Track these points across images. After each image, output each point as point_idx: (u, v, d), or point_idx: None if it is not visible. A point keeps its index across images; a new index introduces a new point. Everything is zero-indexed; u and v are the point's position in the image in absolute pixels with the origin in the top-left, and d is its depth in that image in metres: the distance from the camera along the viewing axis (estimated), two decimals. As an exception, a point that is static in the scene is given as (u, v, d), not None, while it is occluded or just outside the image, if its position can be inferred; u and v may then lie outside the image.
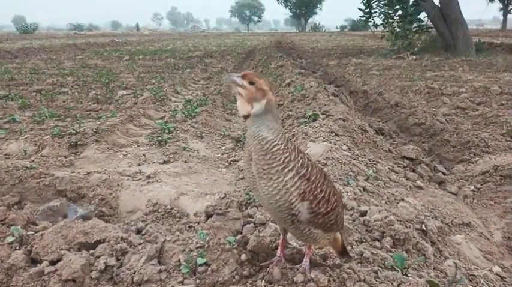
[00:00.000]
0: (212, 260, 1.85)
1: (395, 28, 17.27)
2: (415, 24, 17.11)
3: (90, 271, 1.88)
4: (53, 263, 1.95)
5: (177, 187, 3.52)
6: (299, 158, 1.61)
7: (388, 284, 1.74)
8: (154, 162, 4.19)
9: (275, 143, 1.57)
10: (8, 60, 14.84)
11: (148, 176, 3.69)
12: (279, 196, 1.56)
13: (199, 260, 1.84)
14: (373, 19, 18.74)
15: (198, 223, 2.91)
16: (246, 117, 1.60)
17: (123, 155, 4.40)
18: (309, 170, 1.61)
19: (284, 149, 1.57)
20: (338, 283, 1.71)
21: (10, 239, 2.09)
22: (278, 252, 1.90)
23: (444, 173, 4.45)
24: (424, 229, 2.69)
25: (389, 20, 17.61)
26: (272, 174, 1.55)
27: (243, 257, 1.91)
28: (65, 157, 4.26)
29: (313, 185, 1.60)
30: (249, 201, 3.00)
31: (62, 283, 1.83)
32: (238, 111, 1.62)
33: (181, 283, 1.78)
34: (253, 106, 1.57)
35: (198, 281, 1.80)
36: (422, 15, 16.92)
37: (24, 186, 3.40)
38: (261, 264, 1.93)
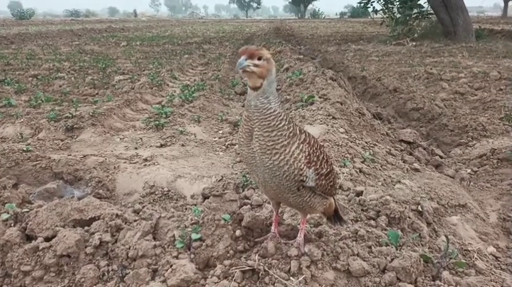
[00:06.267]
0: (207, 236, 1.86)
1: (395, 14, 17.10)
2: (415, 10, 16.94)
3: (85, 247, 1.89)
4: (47, 239, 1.96)
5: (174, 170, 3.52)
6: (295, 126, 1.65)
7: (382, 258, 1.75)
8: (151, 146, 4.18)
9: (281, 117, 1.59)
10: (4, 45, 14.70)
11: (145, 159, 3.69)
12: (288, 165, 1.59)
13: (194, 236, 1.85)
14: (371, 4, 18.55)
15: (195, 205, 2.91)
16: (256, 88, 1.59)
17: (120, 138, 4.39)
18: (306, 135, 1.67)
19: (288, 123, 1.61)
20: (332, 257, 1.72)
21: (5, 216, 2.09)
22: (272, 228, 1.91)
23: (441, 157, 4.45)
24: (420, 210, 2.69)
25: (389, 6, 17.43)
26: (278, 149, 1.58)
27: (238, 233, 1.92)
28: (62, 140, 4.25)
29: (314, 148, 1.66)
30: (245, 183, 3.00)
31: (57, 258, 1.84)
32: (249, 84, 1.61)
33: (176, 257, 1.79)
34: (266, 78, 1.59)
35: (192, 256, 1.81)
36: (423, 1, 16.76)
37: (21, 169, 3.39)
38: (256, 240, 1.95)
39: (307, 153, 1.61)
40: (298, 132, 1.63)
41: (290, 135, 1.58)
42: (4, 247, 1.95)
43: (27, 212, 2.14)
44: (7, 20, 42.88)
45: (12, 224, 2.08)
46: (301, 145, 1.60)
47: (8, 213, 2.12)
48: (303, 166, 1.60)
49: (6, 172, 3.32)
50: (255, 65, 1.56)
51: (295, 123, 1.70)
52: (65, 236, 1.86)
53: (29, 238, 2.03)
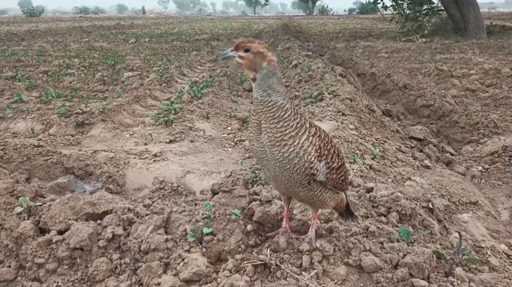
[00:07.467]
0: (218, 230, 1.86)
1: (405, 10, 16.93)
2: (425, 6, 16.75)
3: (98, 240, 1.91)
4: (60, 232, 1.98)
5: (183, 166, 3.53)
6: (305, 119, 1.65)
7: (394, 254, 1.74)
8: (160, 141, 4.20)
9: (285, 108, 1.58)
10: (15, 42, 14.87)
11: (155, 155, 3.70)
12: (298, 158, 1.58)
13: (205, 230, 1.86)
14: (382, 0, 18.39)
15: (204, 201, 2.92)
16: (253, 80, 1.63)
17: (130, 134, 4.42)
18: (317, 128, 1.66)
19: (295, 115, 1.60)
20: (343, 252, 1.72)
21: (19, 209, 2.13)
22: (284, 223, 1.91)
23: (452, 154, 4.41)
24: (431, 207, 2.67)
25: (399, 2, 17.26)
26: (286, 140, 1.57)
27: (249, 227, 1.93)
28: (72, 135, 4.29)
29: (325, 141, 1.65)
30: (255, 179, 3.00)
31: (70, 251, 1.86)
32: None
33: (188, 251, 1.80)
34: (257, 71, 1.60)
35: (204, 250, 1.82)
36: (433, -3, 16.57)
37: (32, 163, 3.43)
38: (267, 234, 1.95)
39: (317, 146, 1.60)
40: (308, 125, 1.63)
41: (298, 126, 1.58)
42: (18, 239, 1.98)
43: (41, 205, 2.16)
44: (17, 17, 43.29)
45: (26, 217, 2.11)
46: (311, 138, 1.60)
47: (21, 206, 2.15)
48: (313, 159, 1.59)
49: (18, 167, 3.37)
50: (240, 57, 1.61)
51: (305, 117, 1.69)
52: (78, 229, 1.88)
53: (43, 231, 2.05)
